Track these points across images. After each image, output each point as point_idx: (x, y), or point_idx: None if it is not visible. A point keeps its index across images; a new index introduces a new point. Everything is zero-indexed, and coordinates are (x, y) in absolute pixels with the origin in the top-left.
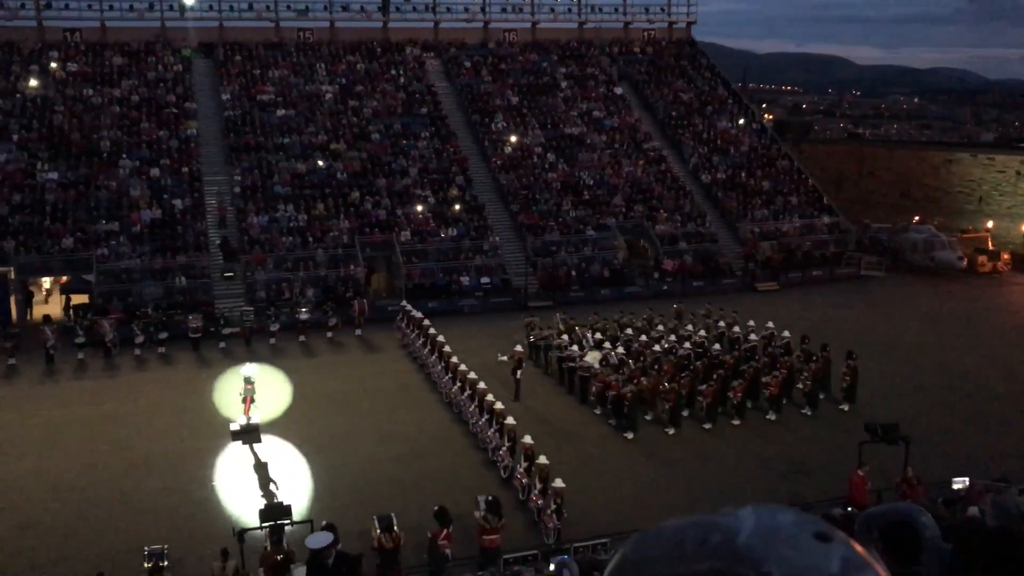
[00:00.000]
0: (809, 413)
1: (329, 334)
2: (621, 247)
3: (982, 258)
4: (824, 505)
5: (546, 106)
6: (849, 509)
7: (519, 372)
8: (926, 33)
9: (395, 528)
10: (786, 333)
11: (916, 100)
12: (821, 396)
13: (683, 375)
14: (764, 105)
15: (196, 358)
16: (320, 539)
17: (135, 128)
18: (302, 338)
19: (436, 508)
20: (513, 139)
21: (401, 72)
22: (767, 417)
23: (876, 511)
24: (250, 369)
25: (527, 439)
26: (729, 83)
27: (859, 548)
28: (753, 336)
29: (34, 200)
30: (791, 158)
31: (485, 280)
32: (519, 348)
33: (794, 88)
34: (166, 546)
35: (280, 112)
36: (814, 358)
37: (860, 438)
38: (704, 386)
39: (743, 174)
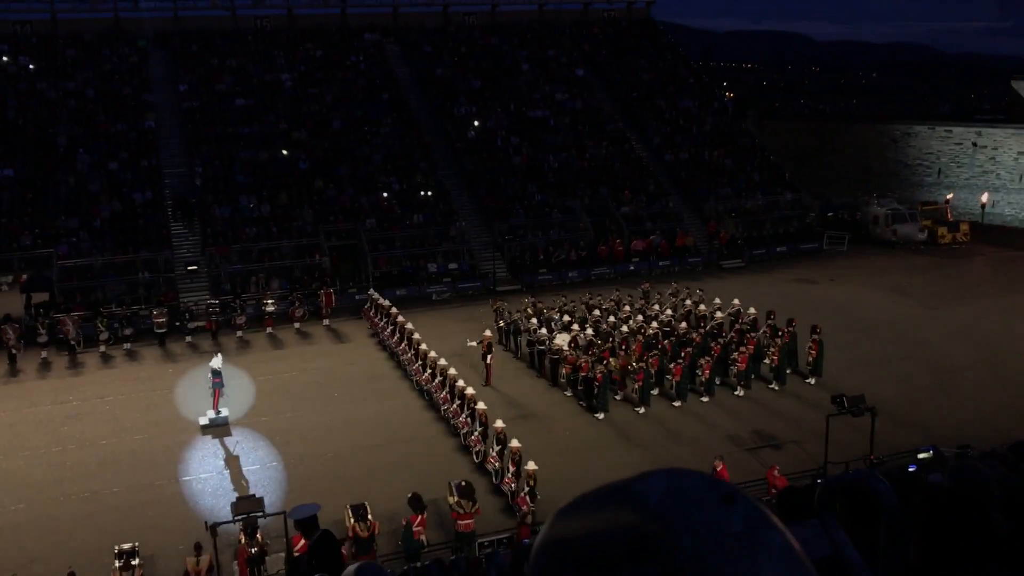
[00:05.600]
0: (777, 388)
1: (296, 325)
2: (587, 228)
3: (942, 230)
4: (795, 477)
5: (508, 89)
6: (819, 481)
7: (489, 357)
8: (884, 7)
9: (369, 517)
10: (752, 309)
11: (875, 75)
12: (788, 371)
13: (651, 354)
14: (725, 83)
15: (162, 353)
16: (304, 509)
17: (91, 121)
18: (269, 330)
19: (410, 495)
20: (476, 123)
21: (361, 58)
22: (735, 393)
23: (836, 480)
24: (217, 362)
25: (499, 423)
26: (690, 62)
27: (763, 508)
28: (720, 313)
29: None
30: (752, 136)
31: (452, 265)
32: (488, 333)
33: (755, 66)
34: (137, 543)
35: (239, 102)
36: (780, 333)
37: (827, 411)
38: (672, 364)
39: (706, 153)
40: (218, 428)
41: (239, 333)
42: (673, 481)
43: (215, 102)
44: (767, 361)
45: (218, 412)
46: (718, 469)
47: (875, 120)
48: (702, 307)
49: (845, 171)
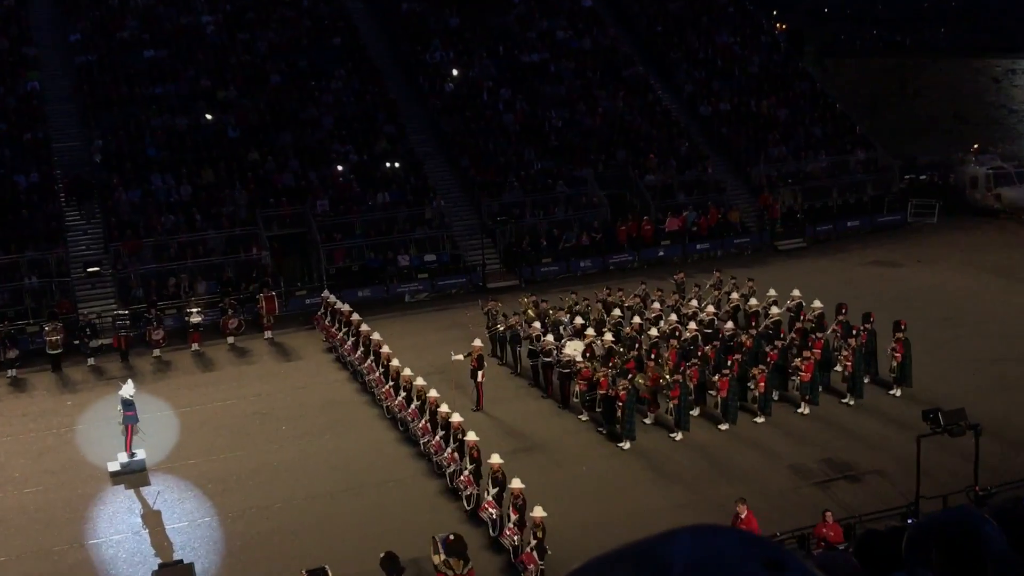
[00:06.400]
0: (852, 402)
1: (230, 339)
2: (601, 204)
3: None
4: (878, 518)
5: (496, 28)
6: (908, 522)
7: (480, 373)
8: None
9: None
10: (817, 303)
11: None
12: (866, 380)
13: (689, 364)
14: (775, 12)
15: (57, 381)
16: None
17: None
18: (195, 346)
19: (382, 555)
20: (455, 73)
21: None
22: (799, 411)
23: (931, 521)
24: (130, 390)
25: (495, 458)
26: None
27: (816, 574)
28: (776, 309)
29: None
30: (812, 79)
31: (430, 258)
32: (478, 343)
33: None
34: None
35: (148, 53)
36: (855, 332)
37: (918, 430)
38: (717, 376)
39: (753, 102)
40: (133, 475)
41: (156, 352)
42: (702, 544)
43: (117, 55)
44: (839, 368)
45: (132, 455)
46: (742, 516)
47: (970, 53)
48: (753, 302)
49: (933, 121)
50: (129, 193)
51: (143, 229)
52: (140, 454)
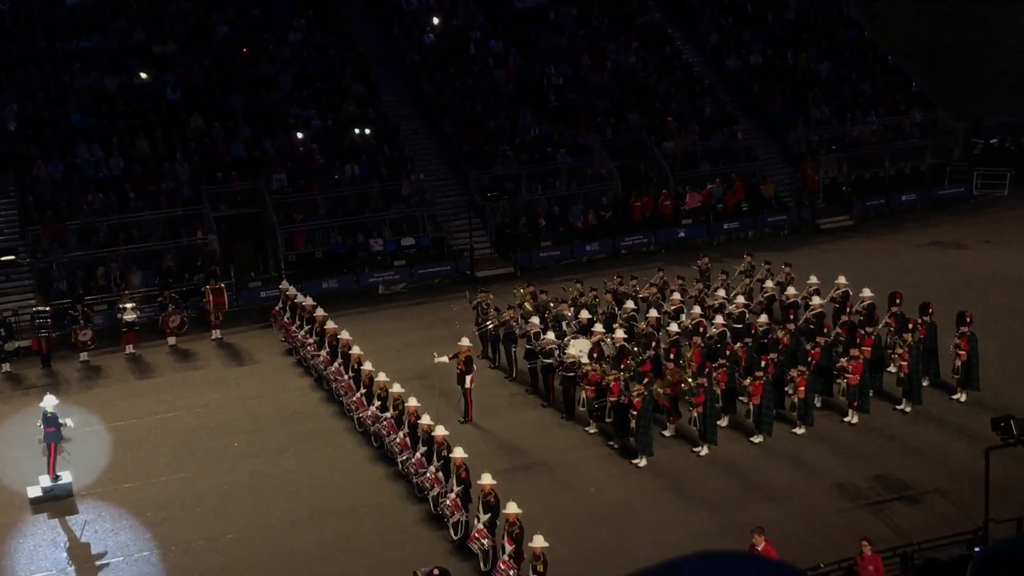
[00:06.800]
0: (908, 408)
1: (171, 340)
2: (611, 177)
3: None
4: (940, 545)
5: None
6: (975, 550)
7: (469, 378)
8: None
9: None
10: (867, 292)
11: None
12: (925, 382)
13: (717, 365)
14: None
15: None
16: None
17: None
18: (129, 348)
19: None
20: (436, 21)
21: None
22: (845, 420)
23: (1002, 548)
24: (52, 402)
25: (486, 478)
26: None
27: None
28: (817, 299)
29: None
30: (860, 25)
31: (407, 242)
32: (466, 342)
33: None
34: None
35: (71, 0)
36: (911, 327)
37: (987, 441)
38: (749, 380)
39: (789, 54)
40: (57, 502)
41: (83, 356)
42: (716, 572)
43: (33, 2)
44: (892, 369)
45: (56, 478)
46: (759, 549)
47: None
48: (791, 291)
49: (1004, 75)
50: (50, 167)
51: (67, 210)
52: (65, 477)
